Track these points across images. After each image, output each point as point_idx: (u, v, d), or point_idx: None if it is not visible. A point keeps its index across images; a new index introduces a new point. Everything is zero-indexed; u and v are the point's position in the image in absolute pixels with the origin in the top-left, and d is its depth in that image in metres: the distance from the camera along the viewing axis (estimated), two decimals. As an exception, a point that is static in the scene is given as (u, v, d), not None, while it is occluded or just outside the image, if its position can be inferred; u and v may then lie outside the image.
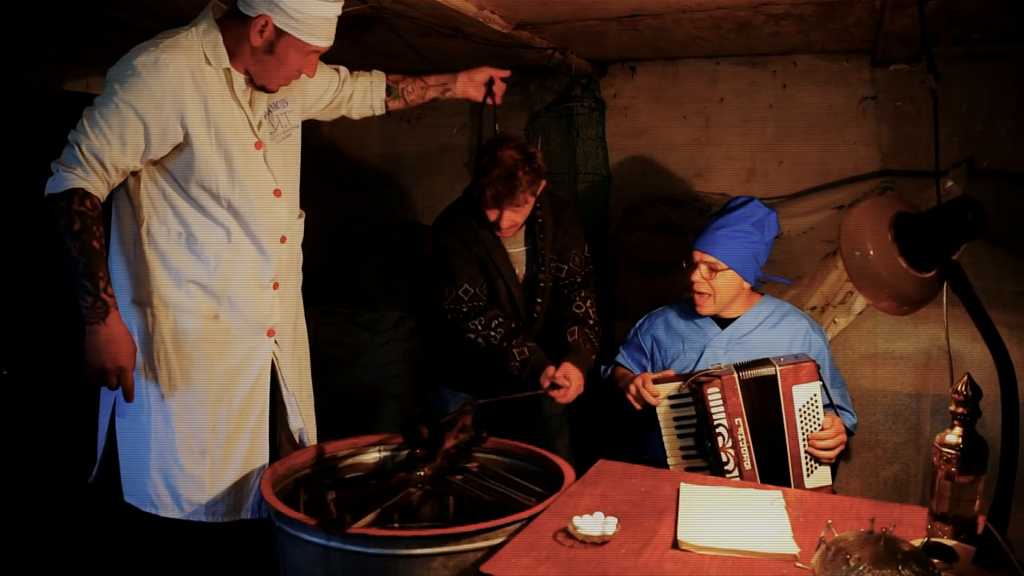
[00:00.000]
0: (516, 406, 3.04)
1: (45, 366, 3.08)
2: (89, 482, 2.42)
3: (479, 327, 2.87)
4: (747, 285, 2.69)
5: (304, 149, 2.59)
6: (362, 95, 2.76)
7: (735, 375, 2.44)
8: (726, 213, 2.67)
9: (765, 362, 2.47)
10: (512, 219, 2.79)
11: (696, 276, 2.66)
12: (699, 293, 2.67)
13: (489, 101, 2.96)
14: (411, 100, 2.86)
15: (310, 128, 2.76)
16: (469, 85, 2.91)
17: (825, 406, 2.47)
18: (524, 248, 2.96)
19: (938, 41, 2.96)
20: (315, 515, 1.97)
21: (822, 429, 2.45)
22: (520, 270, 2.97)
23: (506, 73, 2.95)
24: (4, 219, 3.03)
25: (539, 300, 2.94)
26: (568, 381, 2.74)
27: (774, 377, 2.43)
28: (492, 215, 2.77)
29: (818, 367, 2.44)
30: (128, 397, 2.17)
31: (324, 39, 2.23)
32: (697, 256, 2.66)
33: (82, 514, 3.03)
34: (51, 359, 3.06)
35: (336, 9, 2.20)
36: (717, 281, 2.64)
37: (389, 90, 2.80)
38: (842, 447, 2.48)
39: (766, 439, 2.46)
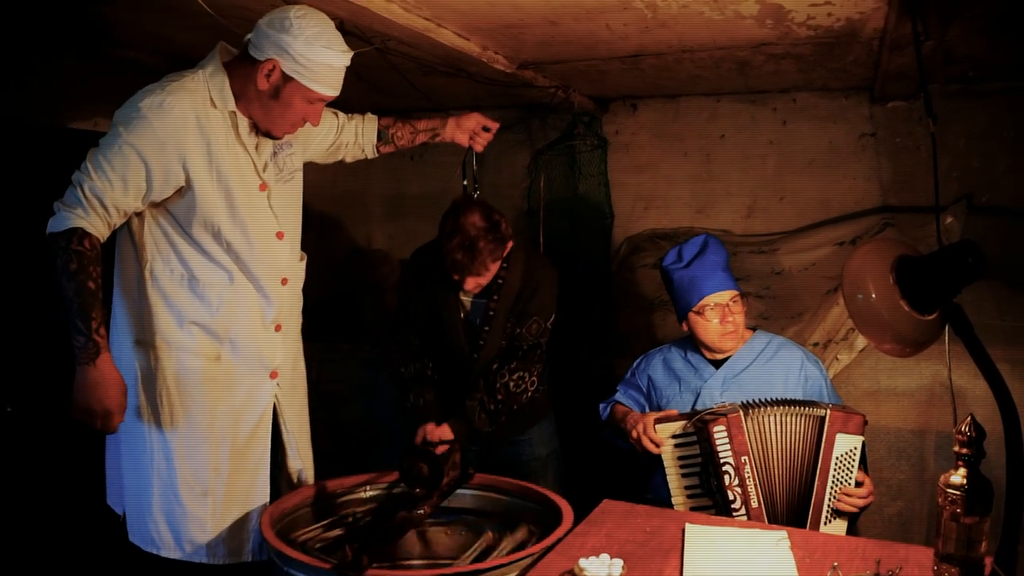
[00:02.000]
0: (497, 448, 3.02)
1: (49, 402, 3.08)
2: (121, 520, 2.42)
3: (397, 359, 2.87)
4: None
5: (308, 184, 2.59)
6: (354, 138, 2.76)
7: (740, 413, 2.45)
8: (700, 256, 2.71)
9: (813, 403, 2.47)
10: (476, 282, 2.73)
11: (729, 319, 2.67)
12: (728, 333, 2.69)
13: (476, 148, 2.92)
14: (400, 145, 2.85)
15: (315, 163, 2.78)
16: (457, 131, 2.88)
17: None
18: (474, 300, 2.87)
19: (935, 79, 3.00)
20: (324, 557, 1.96)
21: (858, 484, 2.42)
22: (469, 319, 2.89)
23: (494, 125, 2.91)
24: (9, 255, 3.05)
25: (475, 356, 2.85)
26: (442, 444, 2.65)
27: (823, 419, 2.41)
28: (455, 277, 2.70)
29: (865, 423, 2.43)
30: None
31: (330, 88, 2.23)
32: (716, 298, 2.66)
33: (87, 549, 3.01)
34: (55, 395, 3.06)
35: (345, 60, 2.20)
36: (738, 314, 2.68)
37: (380, 135, 2.80)
38: (862, 506, 2.44)
39: (790, 478, 2.44)
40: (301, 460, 2.55)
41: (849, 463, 2.41)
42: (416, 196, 4.34)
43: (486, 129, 2.90)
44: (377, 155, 2.85)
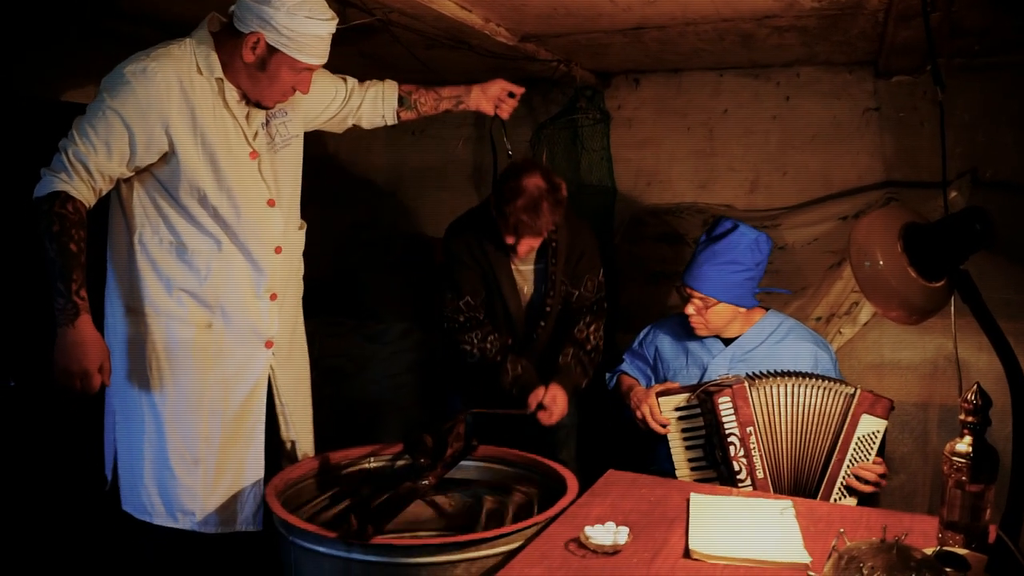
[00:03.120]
0: (522, 415, 3.06)
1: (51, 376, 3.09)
2: (106, 489, 2.43)
3: (475, 339, 2.88)
4: (743, 309, 2.67)
5: (309, 159, 2.57)
6: (372, 105, 2.73)
7: (745, 384, 2.44)
8: (711, 243, 2.64)
9: (838, 379, 2.47)
10: (529, 244, 2.78)
11: (690, 309, 2.65)
12: (694, 323, 2.68)
13: (502, 115, 2.90)
14: (424, 111, 2.82)
15: (316, 138, 2.76)
16: (482, 98, 2.84)
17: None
18: (533, 267, 2.94)
19: (940, 53, 2.98)
20: (329, 527, 1.97)
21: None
22: (527, 289, 2.96)
23: (520, 89, 2.89)
24: (9, 229, 3.04)
25: (542, 323, 2.93)
26: (555, 404, 2.74)
27: (852, 396, 2.40)
28: (510, 240, 2.74)
29: (892, 408, 2.42)
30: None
31: (317, 57, 2.22)
32: (687, 290, 2.65)
33: (90, 523, 3.03)
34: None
35: (329, 28, 2.19)
36: (710, 313, 2.63)
37: (401, 100, 2.76)
38: (873, 486, 2.43)
39: (800, 450, 2.44)
40: (297, 431, 2.55)
41: (870, 444, 2.40)
42: (417, 170, 4.33)
43: (511, 95, 2.87)
44: (397, 121, 2.80)
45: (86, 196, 2.14)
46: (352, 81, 2.69)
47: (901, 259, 1.64)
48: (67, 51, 3.06)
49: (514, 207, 2.66)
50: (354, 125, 2.78)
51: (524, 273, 2.94)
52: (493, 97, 2.85)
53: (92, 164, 2.12)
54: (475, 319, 2.91)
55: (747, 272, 2.60)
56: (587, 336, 2.91)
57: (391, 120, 2.79)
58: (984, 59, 3.23)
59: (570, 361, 2.86)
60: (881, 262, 1.64)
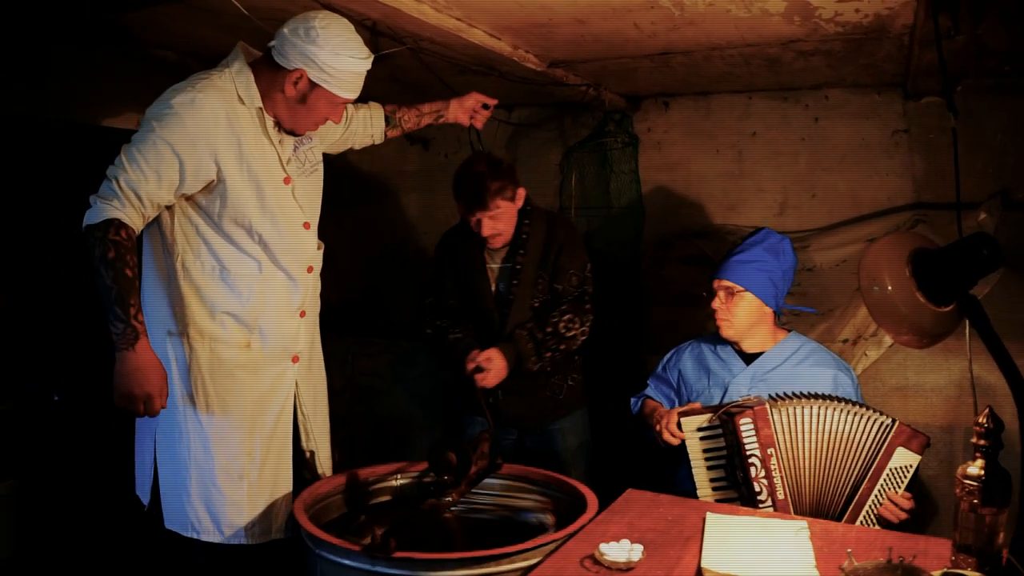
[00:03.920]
0: (530, 436, 3.10)
1: (95, 391, 3.19)
2: (145, 510, 2.50)
3: (429, 320, 3.07)
4: (768, 310, 2.73)
5: (344, 184, 2.68)
6: (363, 127, 2.87)
7: (766, 406, 2.46)
8: (739, 244, 2.79)
9: (872, 407, 2.47)
10: (492, 227, 2.92)
11: (716, 303, 2.73)
12: (720, 319, 2.74)
13: (477, 125, 3.10)
14: (407, 128, 2.98)
15: (349, 164, 2.86)
16: (459, 110, 3.03)
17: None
18: (502, 265, 3.05)
19: (968, 74, 2.99)
20: (355, 541, 2.03)
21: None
22: (498, 286, 3.05)
23: (492, 101, 3.07)
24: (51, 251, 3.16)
25: (507, 311, 3.00)
26: (490, 363, 2.83)
27: (889, 427, 2.40)
28: (473, 223, 2.93)
29: (928, 445, 2.42)
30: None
31: (353, 91, 2.35)
32: (715, 284, 2.75)
33: (133, 537, 3.11)
34: (101, 384, 3.18)
35: (367, 65, 2.31)
36: (736, 306, 2.71)
37: (387, 120, 2.92)
38: (898, 517, 2.42)
39: (824, 472, 2.44)
40: (317, 443, 2.63)
41: (901, 478, 2.40)
42: (449, 195, 4.39)
43: (485, 107, 3.07)
44: (384, 140, 2.96)
45: (136, 223, 2.21)
46: (350, 106, 2.81)
47: (909, 284, 1.66)
48: (105, 77, 3.17)
49: (463, 187, 2.91)
50: (349, 147, 2.91)
51: (495, 272, 3.06)
52: (468, 109, 3.05)
53: (143, 192, 2.20)
54: (438, 305, 3.09)
55: (770, 271, 2.70)
56: (555, 323, 2.95)
57: (379, 139, 2.95)
58: (1015, 79, 3.21)
59: (523, 333, 2.93)
60: (890, 287, 1.67)
